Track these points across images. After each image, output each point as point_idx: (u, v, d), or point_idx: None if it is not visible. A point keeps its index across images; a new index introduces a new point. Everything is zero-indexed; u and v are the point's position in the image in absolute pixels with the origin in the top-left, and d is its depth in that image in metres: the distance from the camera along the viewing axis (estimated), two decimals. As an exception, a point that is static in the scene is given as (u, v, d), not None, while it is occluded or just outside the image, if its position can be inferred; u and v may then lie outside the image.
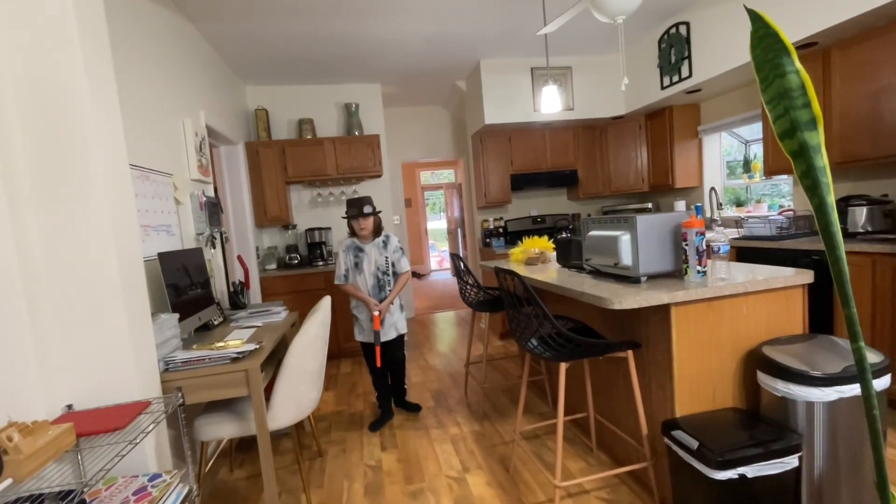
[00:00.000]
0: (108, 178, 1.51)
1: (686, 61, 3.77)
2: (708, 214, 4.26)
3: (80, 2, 1.46)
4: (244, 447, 2.75)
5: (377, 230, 2.89)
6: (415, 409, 3.09)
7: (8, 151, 1.37)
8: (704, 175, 4.47)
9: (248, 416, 2.00)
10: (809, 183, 0.55)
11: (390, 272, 2.91)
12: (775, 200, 4.03)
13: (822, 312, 2.79)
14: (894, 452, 2.13)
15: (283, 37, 3.57)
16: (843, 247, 0.53)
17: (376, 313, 2.81)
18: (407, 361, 3.77)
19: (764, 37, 0.57)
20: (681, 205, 4.55)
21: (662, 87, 4.11)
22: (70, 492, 1.15)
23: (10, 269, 1.35)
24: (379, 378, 3.01)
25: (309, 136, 4.60)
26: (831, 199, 0.53)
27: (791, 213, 3.53)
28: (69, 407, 1.48)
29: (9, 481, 1.05)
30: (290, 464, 2.55)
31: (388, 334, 2.91)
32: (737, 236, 3.47)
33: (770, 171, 3.37)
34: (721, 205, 4.22)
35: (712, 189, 4.20)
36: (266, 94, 4.72)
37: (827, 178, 0.54)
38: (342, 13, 3.27)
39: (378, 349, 2.84)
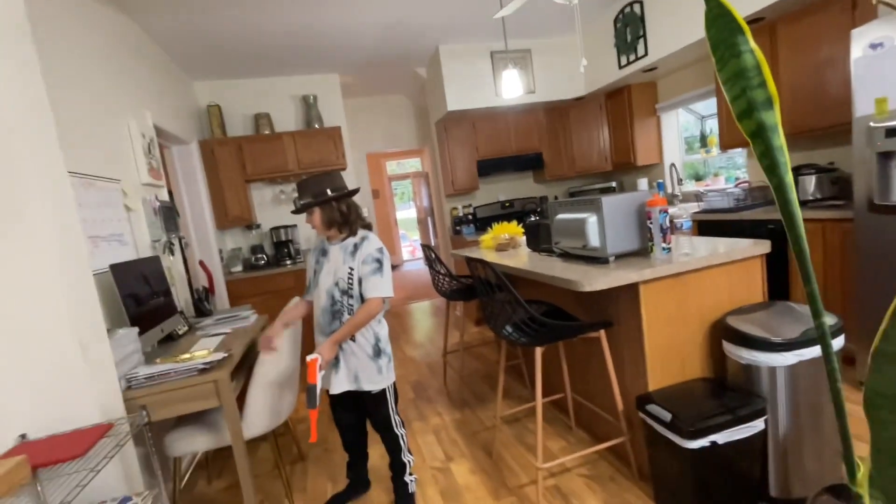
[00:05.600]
0: (44, 190, 1.40)
1: (641, 40, 3.81)
2: (669, 190, 4.37)
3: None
4: (222, 455, 2.67)
5: (343, 224, 1.87)
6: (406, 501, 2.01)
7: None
8: (664, 152, 4.57)
9: (221, 427, 1.93)
10: (768, 163, 0.55)
11: (355, 293, 1.84)
12: (732, 173, 4.17)
13: (780, 278, 2.92)
14: (850, 406, 2.27)
15: (229, 28, 3.40)
16: (802, 225, 0.53)
17: (312, 357, 1.76)
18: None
19: (718, 16, 0.56)
20: (643, 182, 4.66)
21: (620, 67, 4.15)
22: (29, 528, 1.08)
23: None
24: (346, 435, 2.10)
25: (267, 132, 4.43)
26: (790, 179, 0.54)
27: (747, 184, 3.66)
28: (23, 437, 1.38)
29: (-43, 525, 0.97)
30: (272, 469, 2.50)
31: (338, 384, 1.88)
32: (697, 210, 3.58)
33: (726, 145, 3.48)
34: (681, 180, 4.34)
35: (672, 165, 4.31)
36: (217, 89, 4.50)
37: (785, 157, 0.54)
38: (290, 2, 3.13)
39: (313, 415, 1.73)
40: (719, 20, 0.56)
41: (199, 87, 4.45)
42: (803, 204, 2.92)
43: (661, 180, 4.50)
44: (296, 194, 1.89)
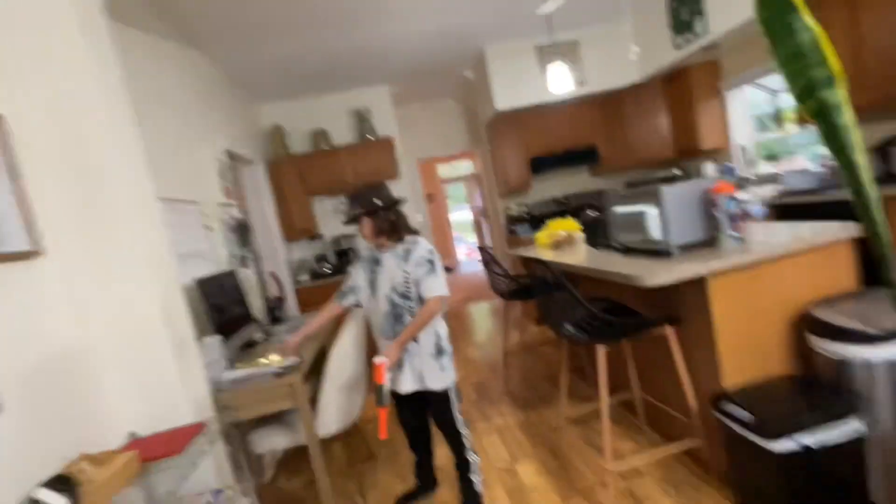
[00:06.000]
0: (139, 216, 1.59)
1: (699, 17, 3.59)
2: (740, 173, 4.07)
3: (91, 51, 1.53)
4: (301, 453, 2.85)
5: (392, 232, 1.95)
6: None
7: (49, 209, 1.46)
8: (732, 133, 4.26)
9: (298, 427, 2.07)
10: (834, 145, 0.52)
11: (413, 295, 1.92)
12: (815, 150, 3.80)
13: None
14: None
15: (285, 52, 3.63)
16: (879, 209, 0.50)
17: (379, 360, 1.83)
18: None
19: (768, -5, 0.54)
20: (710, 167, 4.37)
21: (676, 48, 3.93)
22: (142, 515, 1.23)
23: (62, 314, 1.44)
24: (412, 435, 2.19)
25: (325, 147, 4.67)
26: (859, 159, 0.50)
27: (833, 162, 3.32)
28: (132, 434, 1.57)
29: (87, 510, 1.12)
30: (345, 467, 2.63)
31: (405, 384, 1.95)
32: (775, 193, 3.30)
33: (804, 120, 3.18)
34: (753, 162, 4.02)
35: (742, 147, 4.00)
36: (279, 110, 4.81)
37: (853, 136, 0.51)
38: (338, 23, 3.28)
39: (382, 413, 1.80)
40: (769, 1, 0.54)
41: (263, 109, 4.78)
42: (901, 179, 2.60)
43: (729, 164, 4.20)
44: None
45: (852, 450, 1.49)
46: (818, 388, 1.61)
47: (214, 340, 2.03)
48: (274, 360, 2.04)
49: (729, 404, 1.63)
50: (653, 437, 2.27)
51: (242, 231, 3.15)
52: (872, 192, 0.51)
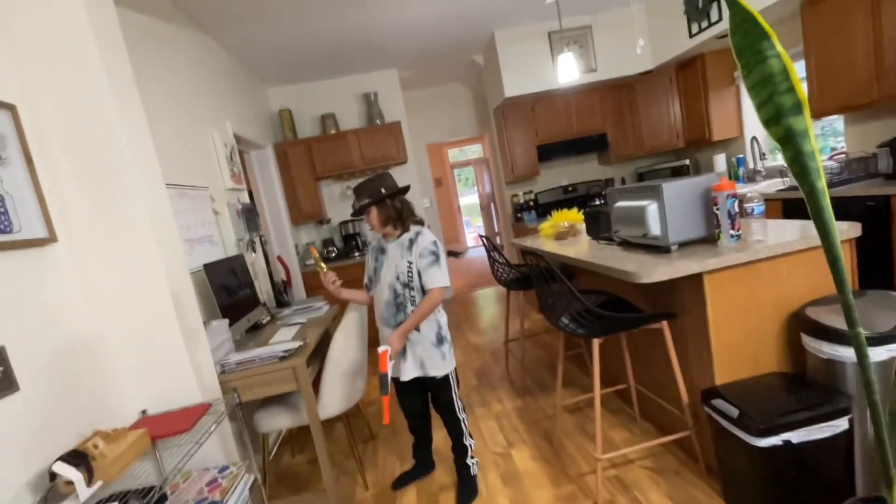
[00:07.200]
0: (148, 203, 1.64)
1: (714, 4, 3.50)
2: (751, 166, 4.02)
3: (101, 40, 1.56)
4: (304, 432, 2.95)
5: (398, 221, 2.00)
6: (468, 489, 2.09)
7: (61, 197, 1.52)
8: (745, 124, 4.19)
9: (301, 408, 2.15)
10: (798, 169, 0.54)
11: (416, 285, 1.97)
12: (828, 142, 3.73)
13: (880, 263, 2.60)
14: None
15: (295, 36, 3.62)
16: (837, 233, 0.52)
17: (383, 349, 1.90)
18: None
19: (742, 22, 0.55)
20: (720, 159, 4.31)
21: (691, 35, 3.85)
22: (152, 488, 1.31)
23: (76, 299, 1.51)
24: (412, 420, 2.25)
25: (332, 131, 4.68)
26: (822, 185, 0.52)
27: (843, 156, 3.27)
28: (143, 412, 1.65)
29: (100, 483, 1.20)
30: (346, 447, 2.72)
31: (407, 372, 2.01)
32: (782, 187, 3.26)
33: (818, 113, 3.12)
34: (764, 154, 3.96)
35: (754, 138, 3.94)
36: (287, 93, 4.82)
37: (816, 162, 0.53)
38: (348, 4, 3.26)
39: (385, 400, 1.85)
40: (743, 26, 0.55)
41: (272, 93, 4.79)
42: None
43: (741, 156, 4.14)
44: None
45: (838, 446, 1.52)
46: (807, 386, 1.63)
47: (221, 323, 2.10)
48: (320, 262, 2.06)
49: (718, 400, 1.66)
50: (645, 427, 2.32)
51: (250, 215, 3.20)
52: (831, 216, 0.54)
